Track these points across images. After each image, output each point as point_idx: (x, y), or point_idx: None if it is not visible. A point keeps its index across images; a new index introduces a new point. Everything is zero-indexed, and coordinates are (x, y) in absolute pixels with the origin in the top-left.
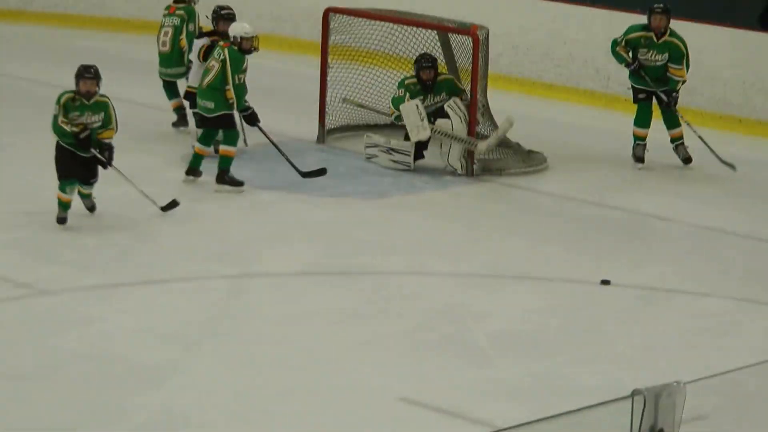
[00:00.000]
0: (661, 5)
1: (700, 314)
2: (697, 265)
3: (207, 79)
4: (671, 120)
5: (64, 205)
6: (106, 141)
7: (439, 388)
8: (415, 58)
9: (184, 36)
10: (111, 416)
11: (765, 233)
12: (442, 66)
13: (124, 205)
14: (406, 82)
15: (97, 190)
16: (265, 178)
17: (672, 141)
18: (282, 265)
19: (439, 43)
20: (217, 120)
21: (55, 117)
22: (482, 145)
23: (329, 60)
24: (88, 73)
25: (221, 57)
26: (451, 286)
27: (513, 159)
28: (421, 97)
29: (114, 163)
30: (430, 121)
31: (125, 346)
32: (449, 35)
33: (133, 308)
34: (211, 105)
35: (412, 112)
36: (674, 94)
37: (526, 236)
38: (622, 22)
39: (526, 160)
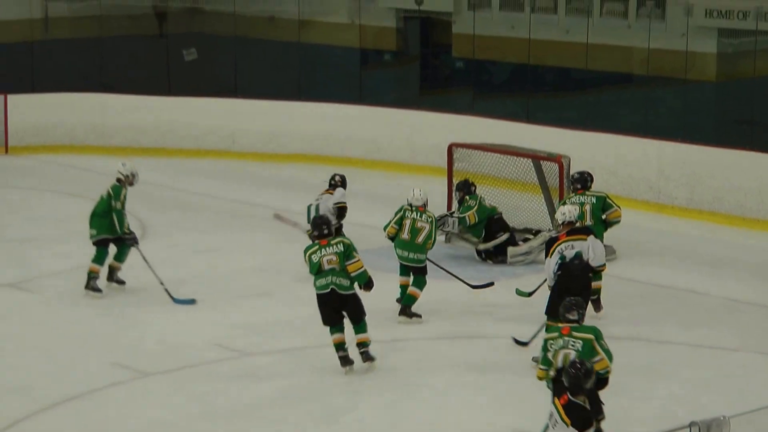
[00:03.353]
0: None
1: (733, 364)
2: (728, 328)
3: (421, 239)
4: None
5: (337, 346)
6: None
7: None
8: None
9: None
10: None
11: None
12: (535, 186)
13: None
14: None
15: None
16: None
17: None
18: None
19: (533, 168)
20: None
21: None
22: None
23: (453, 181)
24: (318, 231)
25: (429, 219)
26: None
27: None
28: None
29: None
30: None
31: None
32: (541, 162)
33: None
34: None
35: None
36: None
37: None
38: (672, 149)
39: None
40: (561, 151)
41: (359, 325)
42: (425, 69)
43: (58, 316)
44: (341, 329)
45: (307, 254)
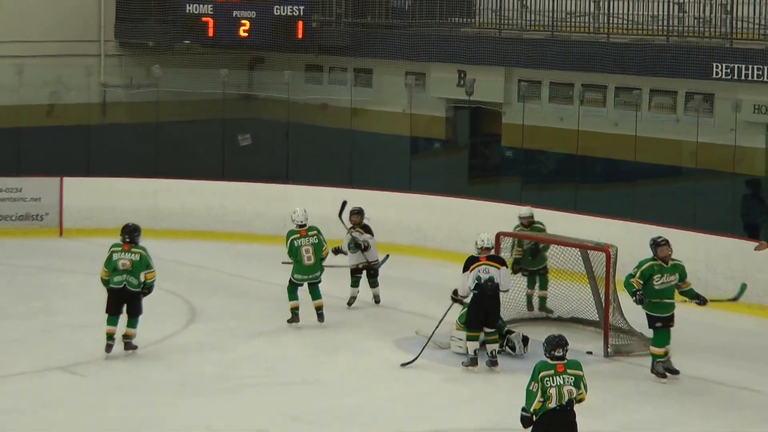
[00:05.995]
0: (663, 238)
1: None
2: None
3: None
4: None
5: (109, 335)
6: None
7: None
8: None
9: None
10: None
11: None
12: (582, 276)
13: None
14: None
15: None
16: None
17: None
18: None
19: (581, 257)
20: None
21: None
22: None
23: None
24: (128, 237)
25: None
26: None
27: (638, 344)
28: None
29: None
30: None
31: None
32: (588, 252)
33: None
34: None
35: None
36: (700, 296)
37: (650, 401)
38: (720, 243)
39: (647, 345)
40: (608, 242)
41: (133, 319)
42: (474, 158)
43: (108, 401)
44: (116, 322)
45: (110, 250)
